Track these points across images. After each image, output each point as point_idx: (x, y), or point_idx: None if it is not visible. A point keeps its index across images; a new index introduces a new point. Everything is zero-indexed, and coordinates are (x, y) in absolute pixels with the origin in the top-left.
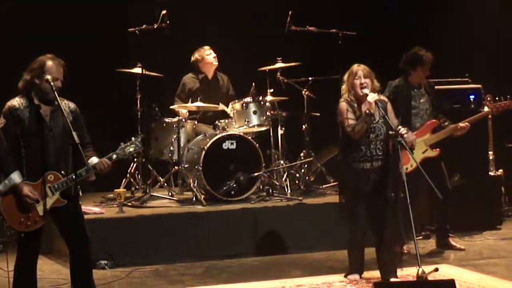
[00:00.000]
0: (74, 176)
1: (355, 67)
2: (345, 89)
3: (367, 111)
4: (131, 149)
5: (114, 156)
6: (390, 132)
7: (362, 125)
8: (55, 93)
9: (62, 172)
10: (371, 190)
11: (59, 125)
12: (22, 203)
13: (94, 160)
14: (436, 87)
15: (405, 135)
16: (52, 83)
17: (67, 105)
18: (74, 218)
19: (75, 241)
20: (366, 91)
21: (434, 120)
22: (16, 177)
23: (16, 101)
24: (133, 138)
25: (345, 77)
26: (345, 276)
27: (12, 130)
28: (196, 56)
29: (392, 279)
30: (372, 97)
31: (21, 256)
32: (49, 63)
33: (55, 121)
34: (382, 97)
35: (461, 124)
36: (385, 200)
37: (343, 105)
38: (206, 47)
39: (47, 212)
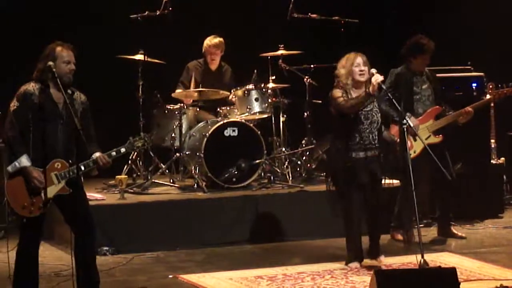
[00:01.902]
0: (80, 166)
1: (353, 54)
2: (343, 76)
3: (368, 90)
4: (139, 144)
5: (123, 149)
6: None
7: (358, 100)
8: (57, 79)
9: (70, 161)
10: (366, 178)
11: (69, 114)
12: (28, 187)
13: (97, 155)
14: (438, 75)
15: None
16: (54, 70)
17: (79, 95)
18: (79, 205)
19: (80, 228)
20: (373, 70)
21: (437, 107)
22: (25, 160)
23: (31, 86)
24: (142, 134)
25: (343, 63)
26: (346, 264)
27: (24, 114)
28: (204, 44)
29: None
30: (376, 78)
31: (23, 242)
32: (59, 48)
33: (67, 110)
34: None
35: (466, 109)
36: (379, 188)
37: (336, 90)
38: (211, 38)
39: (52, 200)
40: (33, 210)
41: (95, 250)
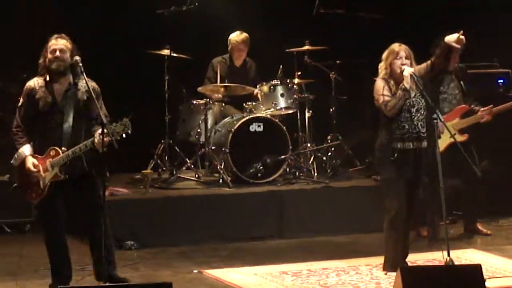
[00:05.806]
0: (70, 153)
1: (397, 46)
2: (383, 67)
3: (403, 86)
4: (119, 130)
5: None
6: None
7: (396, 101)
8: (49, 71)
9: (63, 148)
10: (411, 172)
11: (70, 104)
12: (27, 176)
13: (97, 132)
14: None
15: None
16: (44, 64)
17: (83, 84)
18: (86, 193)
19: (89, 212)
20: (403, 66)
21: (463, 106)
22: (24, 150)
23: (33, 81)
24: (124, 119)
25: (384, 55)
26: (385, 273)
27: (27, 109)
28: (229, 39)
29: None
30: (408, 71)
31: (46, 230)
32: (49, 42)
33: (67, 100)
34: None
35: (483, 119)
36: (419, 184)
37: (379, 82)
38: (238, 34)
39: (48, 185)
40: (35, 197)
41: (105, 230)
